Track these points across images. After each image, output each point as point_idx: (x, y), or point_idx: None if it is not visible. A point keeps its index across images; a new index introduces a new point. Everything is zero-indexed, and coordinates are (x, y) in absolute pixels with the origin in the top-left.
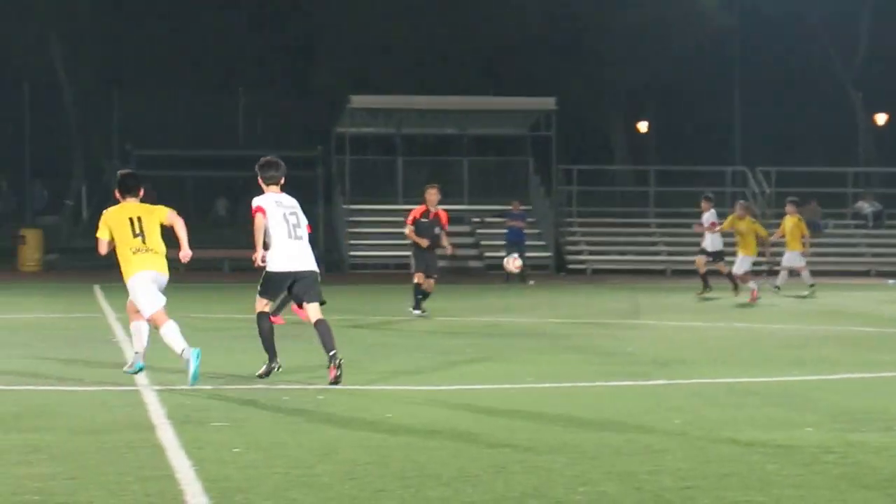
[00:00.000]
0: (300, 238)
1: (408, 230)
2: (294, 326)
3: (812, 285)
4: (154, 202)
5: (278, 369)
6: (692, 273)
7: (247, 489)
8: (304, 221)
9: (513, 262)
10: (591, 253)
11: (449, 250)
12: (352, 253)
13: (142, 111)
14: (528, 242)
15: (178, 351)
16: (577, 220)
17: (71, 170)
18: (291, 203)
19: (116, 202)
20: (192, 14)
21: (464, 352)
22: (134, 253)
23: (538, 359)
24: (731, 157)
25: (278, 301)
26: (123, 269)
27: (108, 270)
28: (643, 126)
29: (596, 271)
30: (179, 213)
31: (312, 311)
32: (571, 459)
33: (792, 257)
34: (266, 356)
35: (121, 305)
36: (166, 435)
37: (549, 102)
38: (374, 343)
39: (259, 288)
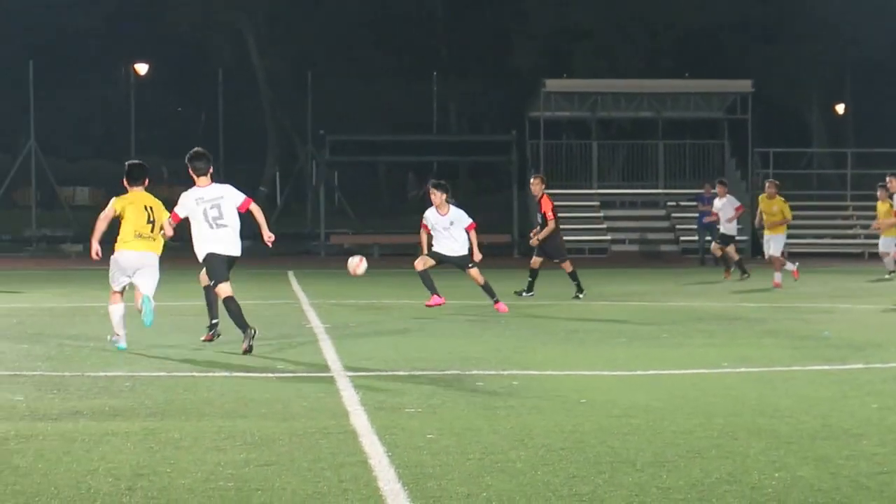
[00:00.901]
0: (224, 226)
1: None
2: (483, 312)
3: (893, 271)
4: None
5: (217, 336)
6: None
7: (440, 475)
8: (227, 210)
9: (357, 265)
10: (788, 236)
11: (533, 241)
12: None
13: (335, 96)
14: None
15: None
16: None
17: (264, 156)
18: (214, 195)
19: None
20: None
21: (658, 336)
22: (136, 237)
23: (733, 343)
24: None
25: (429, 284)
26: (119, 243)
27: (301, 257)
28: (840, 108)
29: (792, 255)
30: (371, 199)
31: (225, 289)
32: (767, 444)
33: (885, 242)
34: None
35: (316, 292)
36: (360, 421)
37: (745, 85)
38: (570, 329)
39: (208, 276)
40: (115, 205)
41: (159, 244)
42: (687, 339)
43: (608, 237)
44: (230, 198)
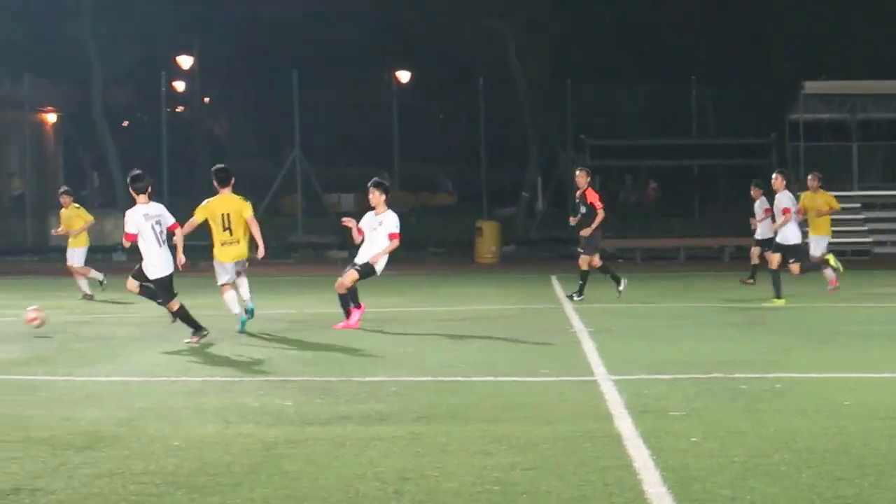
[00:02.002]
0: (165, 242)
1: None
2: (744, 314)
3: None
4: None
5: (206, 335)
6: None
7: (705, 478)
8: (166, 224)
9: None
10: None
11: (585, 232)
12: (806, 240)
13: (595, 101)
14: None
15: (235, 312)
16: None
17: (526, 161)
18: (156, 211)
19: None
20: (643, 3)
21: None
22: (222, 244)
23: None
24: None
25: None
26: (215, 252)
27: (563, 262)
28: None
29: None
30: (635, 202)
31: (175, 304)
32: None
33: None
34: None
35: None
36: (624, 424)
37: None
38: (832, 330)
39: (159, 300)
40: (196, 215)
41: (244, 246)
42: None
43: (870, 239)
44: (166, 216)
